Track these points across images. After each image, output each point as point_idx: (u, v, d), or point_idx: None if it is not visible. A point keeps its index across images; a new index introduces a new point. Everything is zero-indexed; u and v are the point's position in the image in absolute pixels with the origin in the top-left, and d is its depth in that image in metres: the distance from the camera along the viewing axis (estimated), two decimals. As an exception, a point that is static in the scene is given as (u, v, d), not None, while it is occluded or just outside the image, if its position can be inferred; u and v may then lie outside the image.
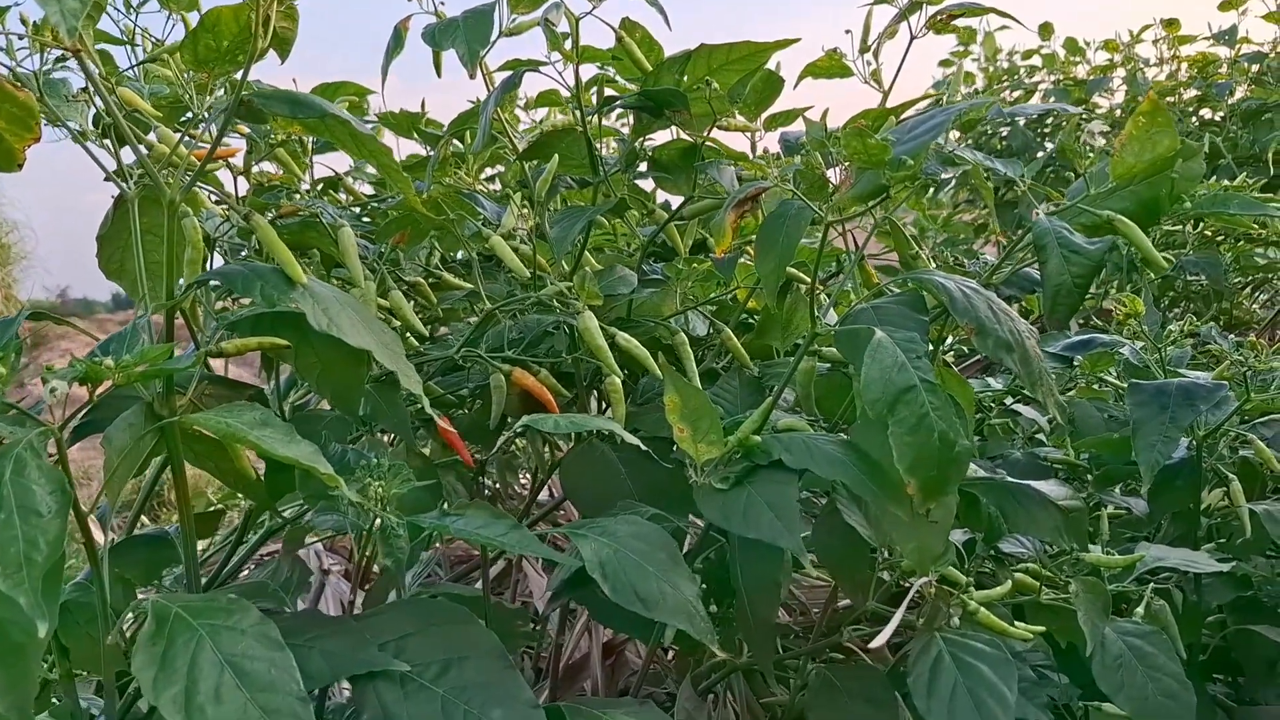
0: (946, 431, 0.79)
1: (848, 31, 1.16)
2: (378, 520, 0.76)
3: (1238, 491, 1.29)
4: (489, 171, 1.45)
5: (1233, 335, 1.65)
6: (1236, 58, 3.43)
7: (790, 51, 1.11)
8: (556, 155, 1.06)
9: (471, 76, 0.98)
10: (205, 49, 0.79)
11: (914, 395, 0.79)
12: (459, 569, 1.99)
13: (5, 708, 0.59)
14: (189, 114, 0.86)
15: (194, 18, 0.96)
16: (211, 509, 1.62)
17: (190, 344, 1.03)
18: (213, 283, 1.05)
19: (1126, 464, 1.37)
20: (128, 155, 0.87)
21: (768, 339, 1.20)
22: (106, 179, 0.84)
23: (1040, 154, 3.27)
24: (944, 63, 4.14)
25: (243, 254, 1.12)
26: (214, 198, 1.09)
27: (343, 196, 1.36)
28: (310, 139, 1.23)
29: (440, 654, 0.76)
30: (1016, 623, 0.97)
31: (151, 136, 0.93)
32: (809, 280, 1.03)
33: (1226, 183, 1.22)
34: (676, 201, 1.21)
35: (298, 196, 1.19)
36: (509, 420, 1.12)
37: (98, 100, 0.83)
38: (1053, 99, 3.47)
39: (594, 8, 1.04)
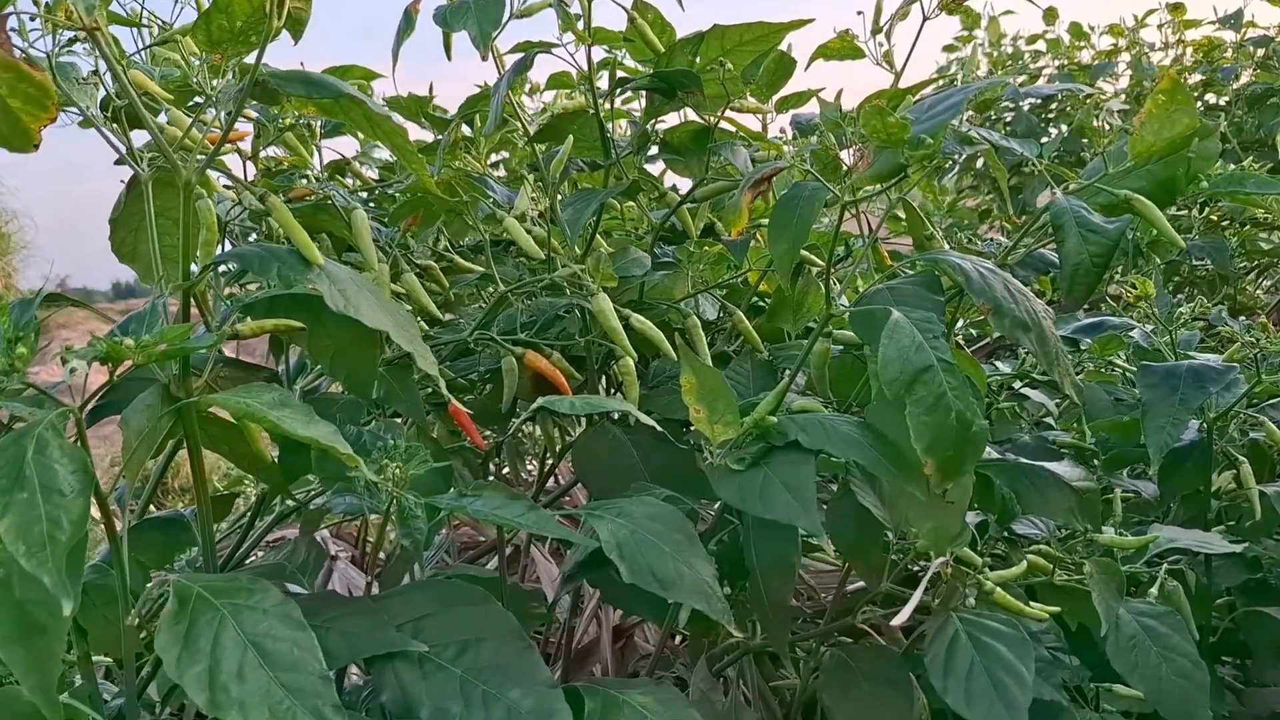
0: (964, 411, 0.79)
1: (859, 13, 1.16)
2: (395, 501, 0.76)
3: (1248, 474, 1.29)
4: (494, 157, 1.44)
5: (1241, 319, 1.65)
6: (1242, 42, 3.42)
7: (801, 33, 1.10)
8: (571, 136, 1.06)
9: (484, 58, 0.98)
10: (218, 29, 0.78)
11: (931, 375, 0.79)
12: (467, 555, 1.99)
13: (30, 687, 0.59)
14: (197, 98, 0.86)
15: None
16: (219, 494, 1.62)
17: (201, 328, 1.03)
18: (221, 267, 1.06)
19: (1135, 447, 1.37)
20: (138, 139, 0.87)
21: (779, 322, 1.20)
22: (119, 162, 0.84)
23: (1045, 139, 3.26)
24: (948, 47, 4.12)
25: (252, 238, 1.12)
26: (223, 182, 1.09)
27: (350, 181, 1.36)
28: (318, 123, 1.22)
29: (458, 635, 0.77)
30: (1031, 603, 0.97)
31: (162, 119, 0.93)
32: (822, 263, 1.03)
33: (1234, 166, 1.21)
34: (685, 184, 1.21)
35: (306, 180, 1.19)
36: (519, 404, 1.12)
37: (108, 82, 0.83)
38: (1063, 83, 3.46)
39: (606, -12, 1.04)
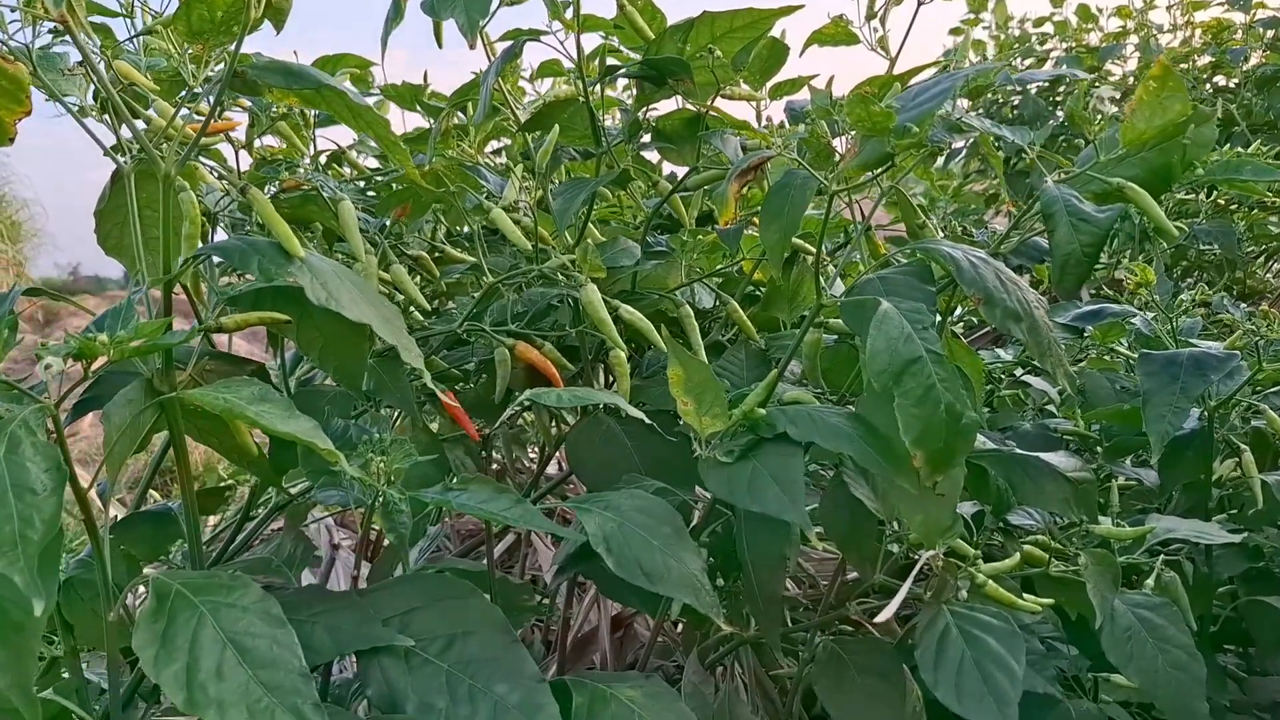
0: (953, 403, 0.78)
1: (854, -3, 1.14)
2: (380, 496, 0.75)
3: (1250, 462, 1.28)
4: (494, 145, 1.43)
5: (1245, 305, 1.63)
6: (1251, 23, 3.38)
7: (797, 19, 1.09)
8: (557, 125, 1.05)
9: (471, 46, 0.97)
10: (199, 19, 0.78)
11: (920, 366, 0.78)
12: (468, 543, 1.99)
13: (6, 685, 0.59)
14: (188, 89, 0.85)
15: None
16: (222, 484, 1.62)
17: (193, 320, 1.03)
18: (216, 258, 1.05)
19: (1137, 435, 1.36)
20: (128, 130, 0.86)
21: (774, 311, 1.19)
22: (105, 154, 0.83)
23: (1052, 122, 3.23)
24: (954, 31, 4.08)
25: (245, 229, 1.11)
26: (215, 172, 1.09)
27: (346, 170, 1.35)
28: (313, 113, 1.21)
29: (445, 629, 0.76)
30: (1025, 595, 0.97)
31: (151, 111, 0.92)
32: (814, 251, 1.02)
33: (1240, 150, 1.20)
34: (681, 173, 1.19)
35: (300, 171, 1.18)
36: (514, 394, 1.11)
37: (93, 74, 0.82)
38: (1064, 67, 3.43)
39: (595, -25, 1.03)
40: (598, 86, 1.09)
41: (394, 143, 0.85)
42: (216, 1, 0.78)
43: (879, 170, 0.85)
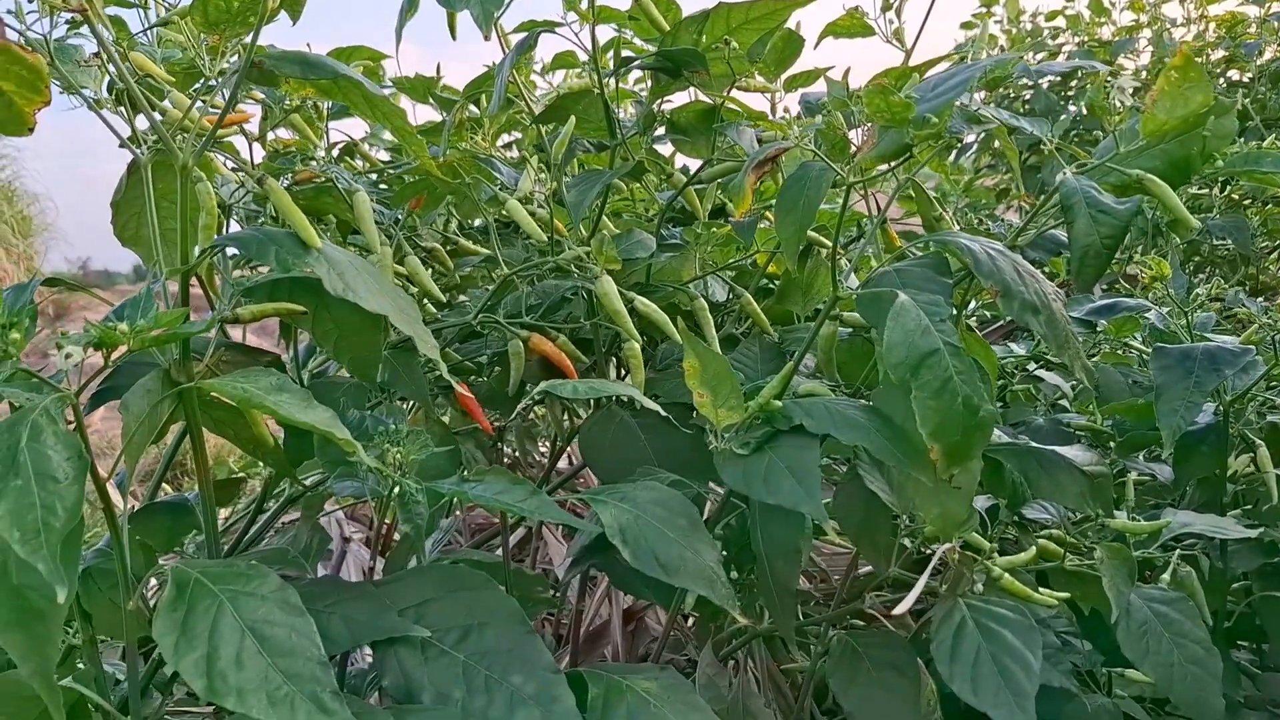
0: (970, 396, 0.77)
1: (869, -11, 1.14)
2: (396, 486, 0.75)
3: (1264, 457, 1.28)
4: (505, 138, 1.43)
5: (1260, 300, 1.62)
6: (1266, 17, 3.36)
7: (811, 10, 1.08)
8: (573, 117, 1.04)
9: (486, 38, 0.97)
10: (215, 10, 0.78)
11: (937, 359, 0.77)
12: (479, 536, 1.99)
13: (28, 672, 0.60)
14: (203, 80, 0.85)
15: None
16: (234, 476, 1.63)
17: (208, 311, 1.03)
18: (231, 250, 1.05)
19: (1151, 430, 1.35)
20: (143, 121, 0.86)
21: (788, 304, 1.19)
22: (121, 145, 0.84)
23: (1064, 116, 3.22)
24: (966, 25, 4.07)
25: (259, 220, 1.11)
26: (230, 164, 1.09)
27: (359, 162, 1.35)
28: (326, 104, 1.22)
29: (461, 620, 0.76)
30: (1040, 589, 0.96)
31: (166, 103, 0.92)
32: (830, 244, 1.02)
33: (1256, 144, 1.19)
34: (694, 165, 1.19)
35: (313, 162, 1.18)
36: (528, 387, 1.11)
37: (111, 65, 0.82)
38: (1074, 61, 3.41)
39: (610, -33, 1.03)
40: (612, 78, 1.09)
41: (410, 133, 0.85)
42: (233, -8, 0.78)
43: (896, 162, 0.84)
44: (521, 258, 1.16)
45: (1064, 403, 1.65)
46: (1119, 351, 1.57)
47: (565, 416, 1.33)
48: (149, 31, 0.99)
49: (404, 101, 1.37)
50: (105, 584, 0.86)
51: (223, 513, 1.80)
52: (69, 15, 0.78)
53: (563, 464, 1.71)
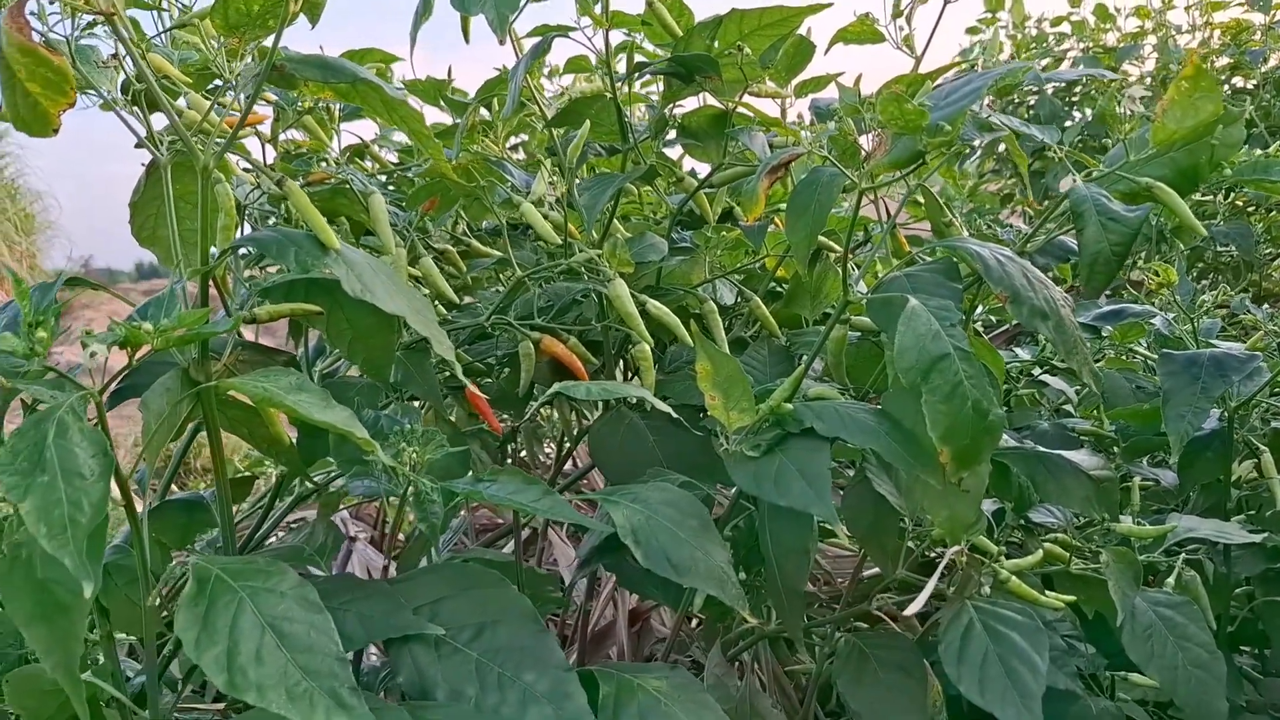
0: (980, 400, 0.78)
1: (880, -4, 1.15)
2: (412, 486, 0.76)
3: (1269, 463, 1.28)
4: (512, 141, 1.44)
5: (1265, 306, 1.63)
6: (1271, 24, 3.37)
7: (821, 17, 1.09)
8: (588, 121, 1.05)
9: (501, 42, 0.98)
10: (236, 13, 0.78)
11: (948, 363, 0.78)
12: (486, 537, 2.00)
13: (51, 666, 0.60)
14: (216, 82, 0.86)
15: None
16: (239, 476, 1.63)
17: (221, 312, 1.04)
18: (241, 251, 1.06)
19: (1156, 435, 1.36)
20: (158, 122, 0.87)
21: (796, 308, 1.20)
22: (138, 145, 0.84)
23: (1069, 123, 3.23)
24: (971, 30, 4.08)
25: (272, 221, 1.12)
26: (243, 165, 1.10)
27: (369, 164, 1.36)
28: (337, 106, 1.22)
29: (474, 618, 0.77)
30: (1046, 592, 0.97)
31: (181, 103, 0.93)
32: (840, 249, 1.02)
33: (1260, 152, 1.20)
34: (701, 169, 1.20)
35: (325, 164, 1.19)
36: (537, 388, 1.12)
37: (128, 66, 0.83)
38: (1082, 67, 3.42)
39: (624, -28, 1.03)
40: (624, 83, 1.10)
41: (427, 136, 0.86)
42: (254, -5, 0.78)
43: (909, 169, 0.85)
44: (530, 260, 1.16)
45: (1068, 408, 1.66)
46: (1124, 357, 1.58)
47: (573, 417, 1.33)
48: (163, 34, 1.00)
49: (413, 103, 1.38)
50: (121, 580, 0.86)
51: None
52: (89, 17, 0.78)
53: (567, 467, 1.71)
